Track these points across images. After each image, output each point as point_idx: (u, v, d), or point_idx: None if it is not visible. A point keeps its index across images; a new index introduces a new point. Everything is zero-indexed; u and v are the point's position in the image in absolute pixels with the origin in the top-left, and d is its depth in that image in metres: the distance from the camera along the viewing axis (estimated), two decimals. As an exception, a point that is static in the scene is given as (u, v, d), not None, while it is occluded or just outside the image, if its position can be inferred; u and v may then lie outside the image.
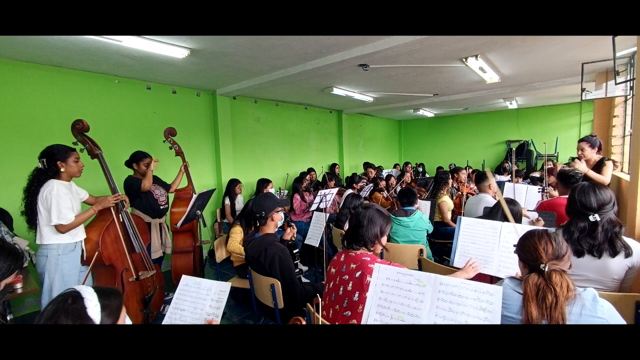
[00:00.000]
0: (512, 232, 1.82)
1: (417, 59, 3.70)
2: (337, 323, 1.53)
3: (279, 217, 2.33)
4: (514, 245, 1.26)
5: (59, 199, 2.11)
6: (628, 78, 3.36)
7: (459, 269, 1.89)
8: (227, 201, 4.36)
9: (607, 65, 3.68)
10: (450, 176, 4.33)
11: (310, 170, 6.00)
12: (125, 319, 1.09)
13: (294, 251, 2.63)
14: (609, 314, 1.04)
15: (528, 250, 1.17)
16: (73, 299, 0.95)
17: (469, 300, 1.04)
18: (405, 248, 2.63)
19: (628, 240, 1.54)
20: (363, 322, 1.17)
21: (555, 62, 3.97)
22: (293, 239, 2.67)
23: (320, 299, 1.36)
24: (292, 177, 5.68)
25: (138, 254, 2.63)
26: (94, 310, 0.96)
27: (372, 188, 5.19)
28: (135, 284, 2.56)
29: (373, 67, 3.85)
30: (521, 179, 5.32)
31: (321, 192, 3.80)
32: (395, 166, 8.32)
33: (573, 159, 3.11)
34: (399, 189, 4.85)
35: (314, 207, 3.98)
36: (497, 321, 0.99)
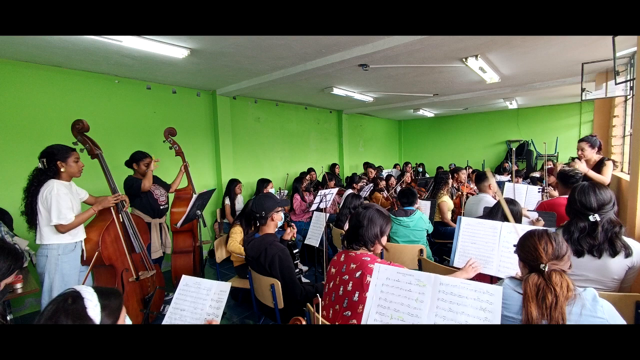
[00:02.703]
0: (512, 232, 1.82)
1: (417, 59, 3.70)
2: (337, 323, 1.53)
3: (279, 217, 2.33)
4: (514, 245, 1.26)
5: (59, 199, 2.11)
6: (628, 78, 3.36)
7: (459, 269, 1.89)
8: (227, 201, 4.36)
9: (607, 65, 3.68)
10: (450, 176, 4.33)
11: (310, 170, 6.00)
12: (125, 319, 1.09)
13: (294, 251, 2.63)
14: (609, 314, 1.04)
15: (528, 250, 1.17)
16: (73, 299, 0.95)
17: (469, 300, 1.04)
18: (405, 248, 2.63)
19: (628, 240, 1.54)
20: (363, 322, 1.17)
21: (555, 62, 3.97)
22: (293, 239, 2.67)
23: (320, 299, 1.35)
24: (292, 177, 5.68)
25: (138, 254, 2.63)
26: (94, 310, 0.95)
27: (372, 188, 5.19)
28: (135, 284, 2.56)
29: (373, 67, 3.85)
30: (521, 179, 5.33)
31: (321, 192, 3.80)
32: (395, 166, 8.32)
33: (573, 159, 3.11)
34: (399, 189, 4.85)
35: (314, 207, 3.98)
36: (497, 321, 0.99)
